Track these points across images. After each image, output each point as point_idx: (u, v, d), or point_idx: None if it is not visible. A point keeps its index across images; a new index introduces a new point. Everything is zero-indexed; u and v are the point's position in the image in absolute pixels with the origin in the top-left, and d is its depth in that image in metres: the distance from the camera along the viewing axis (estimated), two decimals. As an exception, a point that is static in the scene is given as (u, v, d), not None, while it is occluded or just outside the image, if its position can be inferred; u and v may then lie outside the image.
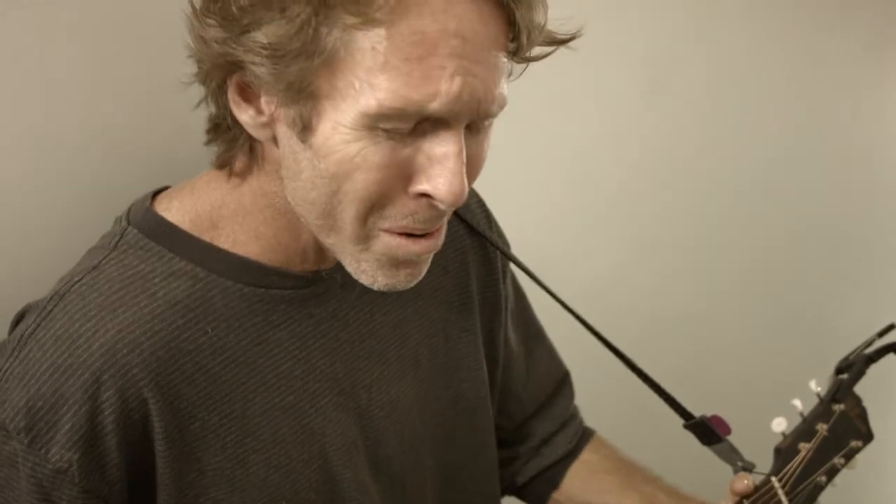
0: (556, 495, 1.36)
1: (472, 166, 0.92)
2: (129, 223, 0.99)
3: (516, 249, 1.25)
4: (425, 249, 0.95)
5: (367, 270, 0.96)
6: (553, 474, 1.36)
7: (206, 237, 0.99)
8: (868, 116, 2.36)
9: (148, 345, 0.93)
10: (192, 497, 0.98)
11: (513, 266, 1.27)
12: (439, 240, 0.96)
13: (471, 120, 0.89)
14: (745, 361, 2.20)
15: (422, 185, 0.89)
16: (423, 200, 0.91)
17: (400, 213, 0.91)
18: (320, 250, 1.02)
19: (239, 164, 0.98)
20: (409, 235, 0.93)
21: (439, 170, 0.88)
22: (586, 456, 1.36)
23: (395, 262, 0.95)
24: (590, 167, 1.91)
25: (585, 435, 1.38)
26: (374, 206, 0.90)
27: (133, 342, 0.93)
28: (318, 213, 0.93)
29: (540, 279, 1.23)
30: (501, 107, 0.89)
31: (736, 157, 2.12)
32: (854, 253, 2.45)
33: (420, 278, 0.98)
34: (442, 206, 0.91)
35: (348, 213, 0.91)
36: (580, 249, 1.92)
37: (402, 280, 0.96)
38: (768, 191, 2.20)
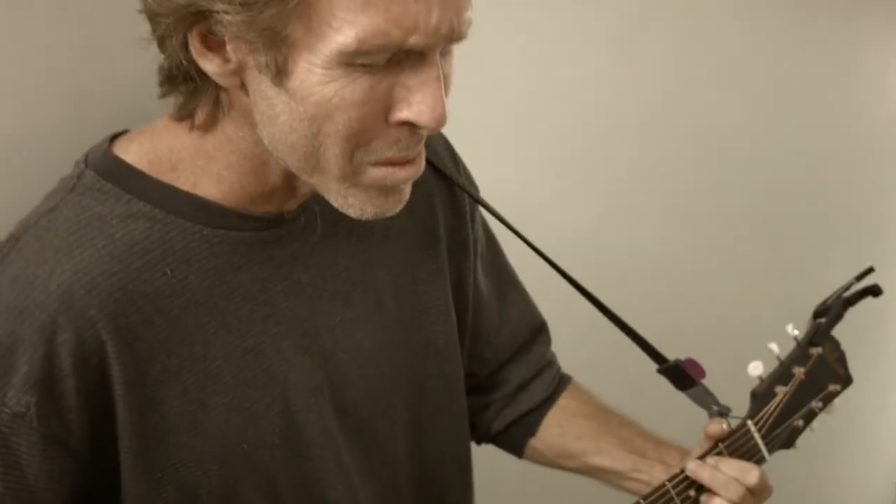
0: (533, 442, 1.34)
1: (445, 87, 0.92)
2: (86, 165, 0.97)
3: (493, 200, 1.23)
4: (411, 175, 0.95)
5: (354, 204, 0.94)
6: (530, 421, 1.34)
7: (165, 179, 0.97)
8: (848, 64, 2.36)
9: (105, 286, 0.92)
10: (155, 441, 0.96)
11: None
12: (421, 165, 0.96)
13: (444, 46, 0.89)
14: (721, 306, 2.21)
15: (403, 113, 0.88)
16: (405, 128, 0.90)
17: (385, 145, 0.90)
18: (287, 191, 1.00)
19: (202, 114, 0.96)
20: (394, 164, 0.93)
21: (420, 97, 0.88)
22: (563, 402, 1.35)
23: (383, 191, 0.94)
24: (567, 118, 1.89)
25: (562, 381, 1.37)
26: (359, 143, 0.90)
27: (90, 283, 0.91)
28: (300, 155, 0.91)
29: (509, 222, 1.21)
30: (469, 26, 0.89)
31: (715, 106, 2.12)
32: (834, 199, 2.45)
33: (404, 202, 0.97)
34: (424, 132, 0.91)
35: (332, 153, 0.90)
36: (558, 199, 1.91)
37: (391, 206, 0.96)
38: (747, 139, 2.21)
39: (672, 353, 1.24)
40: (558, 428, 1.33)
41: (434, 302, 1.17)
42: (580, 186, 1.95)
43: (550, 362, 1.37)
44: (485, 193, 1.23)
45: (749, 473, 1.16)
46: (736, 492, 1.15)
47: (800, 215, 2.40)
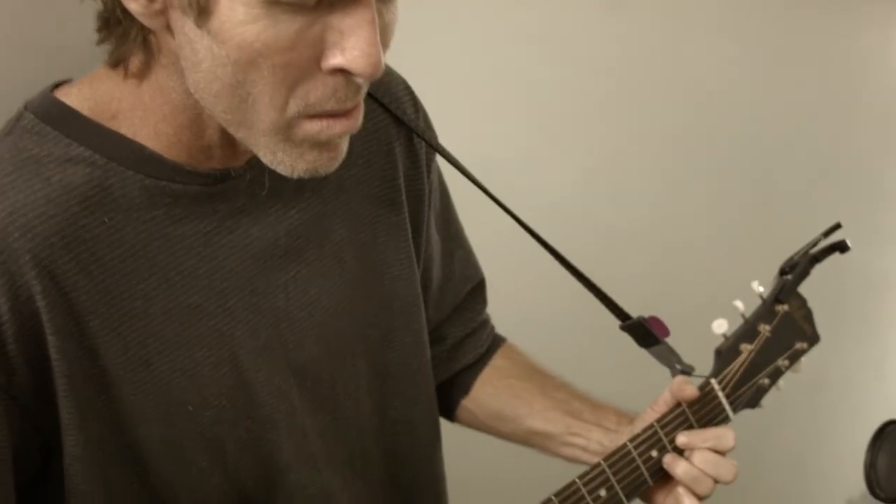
0: (465, 402, 1.32)
1: (385, 35, 0.87)
2: (26, 108, 0.93)
3: (468, 163, 1.19)
4: (346, 129, 0.90)
5: (284, 161, 0.90)
6: (462, 379, 1.32)
7: (107, 126, 0.92)
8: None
9: (41, 229, 0.88)
10: (95, 393, 0.93)
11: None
12: (358, 119, 0.91)
13: None
14: (685, 263, 2.19)
15: (336, 60, 0.83)
16: (340, 77, 0.85)
17: (323, 96, 0.85)
18: (227, 148, 0.96)
19: (135, 60, 0.91)
20: (330, 116, 0.88)
21: (353, 41, 0.82)
22: (497, 362, 1.32)
23: (316, 146, 0.90)
24: (546, 78, 1.86)
25: (496, 341, 1.34)
26: (291, 93, 0.85)
27: (25, 226, 0.87)
28: (225, 106, 0.86)
29: (471, 174, 1.17)
30: None
31: (702, 70, 2.10)
32: (805, 159, 2.45)
33: (341, 160, 0.93)
34: (360, 80, 0.85)
35: (262, 104, 0.85)
36: (533, 161, 1.88)
37: (325, 163, 0.91)
38: (722, 101, 2.18)
39: (635, 311, 1.21)
40: (492, 388, 1.30)
41: (397, 256, 1.14)
42: (555, 148, 1.92)
43: (485, 321, 1.34)
44: (461, 155, 1.18)
45: (725, 438, 1.14)
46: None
47: (769, 172, 2.39)
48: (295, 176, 0.90)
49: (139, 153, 0.92)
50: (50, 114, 0.92)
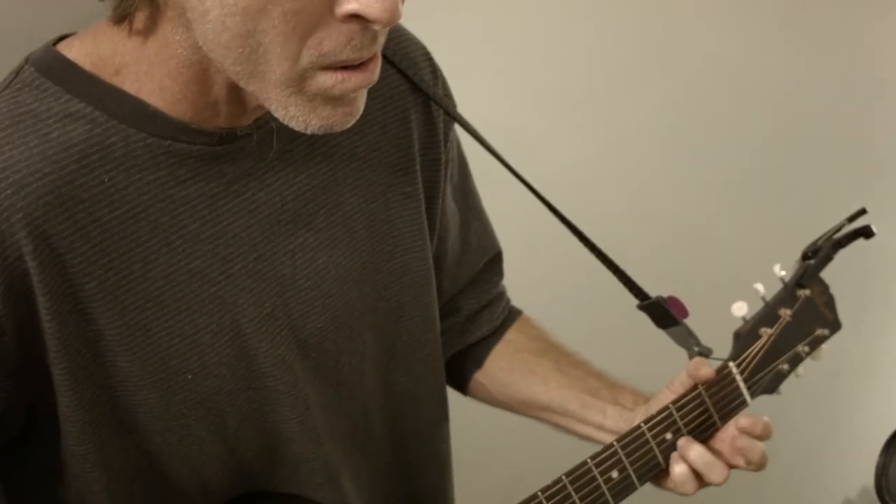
0: (478, 376, 1.29)
1: None
2: (27, 61, 0.90)
3: (487, 133, 1.16)
4: (362, 83, 0.86)
5: (297, 115, 0.86)
6: (476, 352, 1.29)
7: (109, 81, 0.89)
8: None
9: (35, 187, 0.85)
10: (90, 358, 0.91)
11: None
12: (375, 72, 0.88)
13: None
14: (706, 243, 2.17)
15: (350, 5, 0.80)
16: (355, 24, 0.82)
17: (338, 45, 0.82)
18: (235, 105, 0.92)
19: (140, 15, 0.88)
20: (346, 69, 0.85)
21: None
22: (512, 335, 1.29)
23: (330, 101, 0.86)
24: (568, 48, 1.83)
25: (512, 315, 1.31)
26: (304, 42, 0.82)
27: (18, 183, 0.84)
28: (235, 58, 0.83)
29: (490, 144, 1.14)
30: None
31: (717, 42, 2.07)
32: (832, 139, 2.42)
33: (356, 116, 0.89)
34: (377, 27, 0.82)
35: (274, 54, 0.82)
36: (553, 134, 1.85)
37: (339, 119, 0.88)
38: (747, 80, 2.15)
39: (653, 291, 1.18)
40: (505, 362, 1.28)
41: (409, 227, 1.10)
42: (575, 117, 1.89)
43: (501, 294, 1.31)
44: (479, 125, 1.16)
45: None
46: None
47: (794, 155, 2.36)
48: (308, 132, 0.88)
49: (142, 110, 0.89)
50: (51, 68, 0.89)
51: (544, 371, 1.25)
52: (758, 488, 1.87)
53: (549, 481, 1.08)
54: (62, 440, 0.94)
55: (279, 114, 0.87)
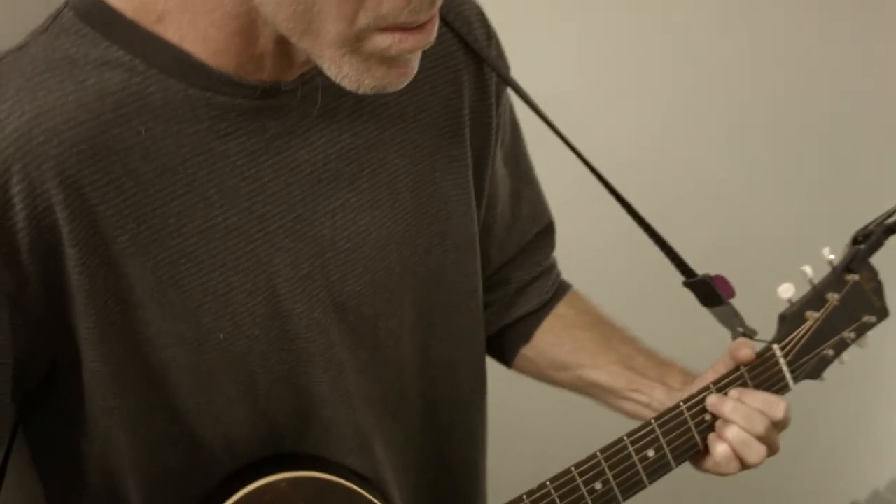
0: (525, 350, 1.27)
1: None
2: (67, 5, 0.88)
3: (540, 100, 1.13)
4: (419, 44, 0.84)
5: (350, 75, 0.84)
6: (525, 326, 1.26)
7: (151, 29, 0.87)
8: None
9: (69, 135, 0.83)
10: (119, 312, 0.89)
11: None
12: (432, 34, 0.86)
13: None
14: (755, 223, 2.13)
15: None
16: None
17: (396, 8, 0.80)
18: (281, 59, 0.90)
19: None
20: (403, 30, 0.82)
21: None
22: (562, 310, 1.27)
23: (385, 62, 0.84)
24: (629, 17, 1.81)
25: (562, 288, 1.28)
26: (361, 3, 0.79)
27: (52, 130, 0.82)
28: (288, 14, 0.81)
29: (542, 111, 1.11)
30: None
31: (774, 31, 2.04)
32: (887, 122, 2.38)
33: (411, 77, 0.87)
34: None
35: (329, 14, 0.80)
36: (608, 105, 1.83)
37: (394, 80, 0.86)
38: (798, 63, 2.11)
39: (701, 269, 1.16)
40: (554, 337, 1.25)
41: (455, 191, 1.08)
42: (631, 92, 1.87)
43: (551, 266, 1.28)
44: (533, 90, 1.13)
45: (775, 407, 1.08)
46: (760, 424, 1.07)
47: (851, 137, 2.32)
48: (361, 91, 0.85)
49: (183, 60, 0.87)
50: (91, 13, 0.86)
51: (593, 347, 1.23)
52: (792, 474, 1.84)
53: (583, 457, 1.06)
54: (87, 395, 0.93)
55: (331, 72, 0.85)
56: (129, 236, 0.87)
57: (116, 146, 0.85)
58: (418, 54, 0.87)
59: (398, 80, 0.86)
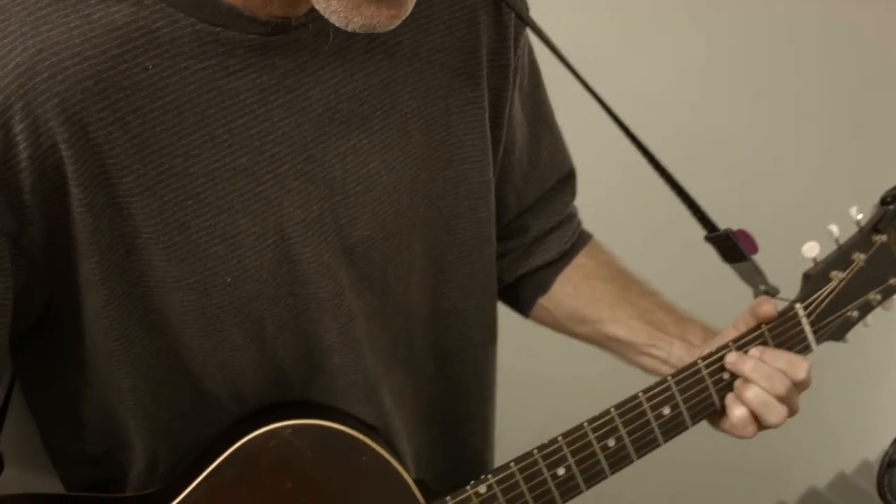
0: (543, 300, 1.24)
1: None
2: None
3: (561, 43, 1.09)
4: None
5: (338, 10, 0.82)
6: (543, 276, 1.23)
7: None
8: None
9: (74, 71, 0.80)
10: (123, 254, 0.87)
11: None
12: None
13: None
14: (781, 179, 2.10)
15: None
16: None
17: None
18: None
19: None
20: None
21: None
22: (581, 260, 1.23)
23: (375, 0, 0.81)
24: None
25: (582, 238, 1.25)
26: None
27: (56, 66, 0.80)
28: None
29: (563, 54, 1.07)
30: None
31: None
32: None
33: (401, 19, 0.84)
34: None
35: None
36: (631, 51, 1.78)
37: (384, 20, 0.83)
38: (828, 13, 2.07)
39: (724, 223, 1.13)
40: (572, 288, 1.22)
41: (469, 135, 1.05)
42: (656, 39, 1.83)
43: (572, 215, 1.25)
44: (554, 33, 1.09)
45: (797, 366, 1.05)
46: (782, 384, 1.04)
47: (884, 95, 2.28)
48: (349, 29, 0.83)
49: None
50: None
51: (612, 300, 1.20)
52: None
53: (595, 413, 1.04)
54: (87, 338, 0.91)
55: (320, 6, 0.82)
56: (134, 176, 0.85)
57: (123, 83, 0.83)
58: None
59: (388, 21, 0.83)
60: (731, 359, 1.06)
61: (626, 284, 1.21)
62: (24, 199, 0.81)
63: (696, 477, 2.18)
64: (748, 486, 2.66)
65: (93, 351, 0.92)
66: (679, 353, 1.13)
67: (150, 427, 0.98)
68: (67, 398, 0.98)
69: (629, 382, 1.08)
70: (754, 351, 1.06)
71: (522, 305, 1.26)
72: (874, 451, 2.98)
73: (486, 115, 1.06)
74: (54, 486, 1.08)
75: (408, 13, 0.84)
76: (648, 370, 1.17)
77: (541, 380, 1.73)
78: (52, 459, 1.08)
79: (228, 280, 0.92)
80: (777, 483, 2.86)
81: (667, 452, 1.09)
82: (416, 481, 1.04)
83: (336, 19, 0.82)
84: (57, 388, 0.98)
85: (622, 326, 1.18)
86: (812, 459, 2.85)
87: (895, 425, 2.97)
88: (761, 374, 1.04)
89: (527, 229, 1.21)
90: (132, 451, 1.01)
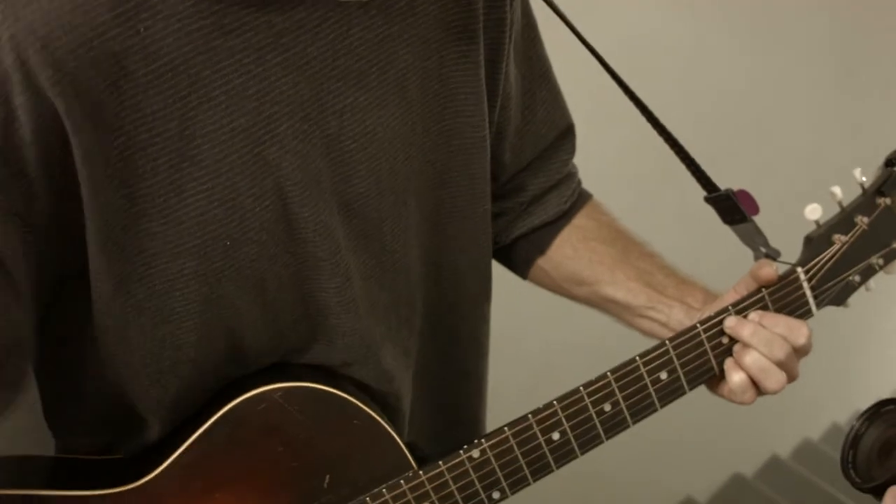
0: (541, 261, 1.22)
1: None
2: None
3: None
4: None
5: None
6: (541, 237, 1.22)
7: None
8: None
9: (65, 41, 0.78)
10: (122, 227, 0.86)
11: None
12: None
13: None
14: (785, 139, 2.08)
15: None
16: None
17: None
18: None
19: None
20: None
21: None
22: (580, 221, 1.21)
23: None
24: None
25: (581, 198, 1.23)
26: None
27: (47, 37, 0.78)
28: None
29: (560, 9, 1.05)
30: None
31: None
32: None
33: None
34: None
35: None
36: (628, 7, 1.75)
37: None
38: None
39: (723, 184, 1.10)
40: (571, 249, 1.20)
41: (463, 88, 1.02)
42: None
43: (571, 174, 1.23)
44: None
45: (797, 331, 1.03)
46: (781, 350, 1.02)
47: (888, 54, 2.26)
48: None
49: None
50: None
51: (612, 262, 1.18)
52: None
53: (590, 374, 1.02)
54: (94, 306, 0.90)
55: None
56: (124, 139, 0.83)
57: (114, 48, 0.81)
58: None
59: None
60: (730, 323, 1.04)
61: (626, 246, 1.19)
62: (30, 173, 0.80)
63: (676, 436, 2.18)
64: (739, 443, 2.67)
65: (101, 317, 0.91)
66: (678, 315, 1.12)
67: (153, 392, 0.97)
68: (70, 366, 0.98)
69: (625, 345, 1.07)
70: (753, 315, 1.05)
71: (520, 266, 1.25)
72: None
73: (482, 70, 1.03)
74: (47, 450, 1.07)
75: None
76: (647, 333, 1.15)
77: (534, 340, 1.72)
78: (50, 425, 1.06)
79: (228, 244, 0.91)
80: (771, 436, 2.87)
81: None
82: (408, 444, 1.03)
83: None
84: (61, 358, 0.98)
85: (621, 288, 1.16)
86: (805, 412, 2.86)
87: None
88: (760, 338, 1.02)
89: (524, 188, 1.19)
90: (131, 419, 1.00)
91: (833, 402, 3.04)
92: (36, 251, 0.85)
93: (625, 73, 1.09)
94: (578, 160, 1.22)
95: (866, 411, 1.13)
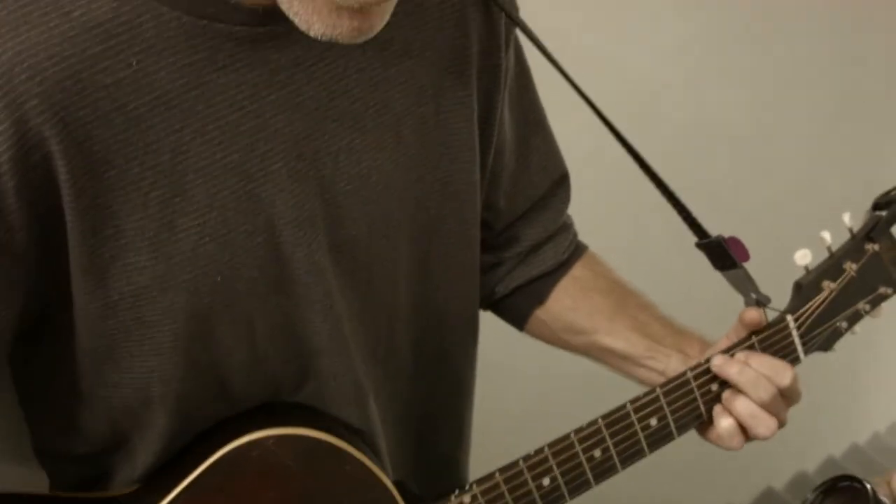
0: (539, 312, 1.22)
1: None
2: None
3: (550, 43, 1.07)
4: None
5: (300, 13, 0.79)
6: (539, 287, 1.21)
7: None
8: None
9: (53, 72, 0.78)
10: (108, 258, 0.85)
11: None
12: None
13: None
14: (775, 184, 2.08)
15: None
16: None
17: None
18: None
19: None
20: None
21: None
22: (578, 272, 1.22)
23: (345, 10, 0.78)
24: None
25: (578, 249, 1.24)
26: None
27: (34, 67, 0.77)
28: None
29: (552, 55, 1.05)
30: None
31: None
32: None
33: (369, 35, 0.81)
34: None
35: None
36: (622, 46, 1.76)
37: (345, 32, 0.79)
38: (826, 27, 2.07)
39: (713, 228, 1.11)
40: (570, 300, 1.21)
41: (458, 135, 1.02)
42: (654, 44, 1.81)
43: (567, 225, 1.23)
44: (543, 34, 1.07)
45: (782, 373, 1.04)
46: (766, 391, 1.03)
47: (878, 101, 2.27)
48: (311, 34, 0.80)
49: None
50: None
51: (610, 312, 1.18)
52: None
53: (574, 411, 1.03)
54: (77, 336, 0.89)
55: (283, 6, 0.80)
56: (115, 171, 0.82)
57: (104, 80, 0.80)
58: (386, 10, 0.81)
59: (350, 34, 0.80)
60: (718, 361, 1.05)
61: (624, 296, 1.20)
62: (9, 205, 0.79)
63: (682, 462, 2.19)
64: (739, 470, 2.67)
65: (83, 350, 0.90)
66: (676, 365, 1.12)
67: (137, 428, 0.97)
68: (58, 397, 0.96)
69: (610, 385, 1.07)
70: (740, 354, 1.06)
71: (518, 318, 1.25)
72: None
73: (476, 116, 1.04)
74: (40, 484, 1.07)
75: (374, 32, 0.82)
76: (644, 382, 1.16)
77: (520, 378, 1.72)
78: (40, 458, 1.06)
79: (219, 280, 0.90)
80: (766, 469, 2.87)
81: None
82: (397, 484, 1.03)
83: (298, 21, 0.80)
84: (49, 387, 0.97)
85: (619, 338, 1.17)
86: (800, 445, 2.86)
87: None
88: (747, 377, 1.03)
89: (520, 239, 1.20)
90: (119, 451, 1.00)
91: (829, 435, 3.04)
92: (18, 279, 0.84)
93: (615, 117, 1.10)
94: (574, 207, 1.23)
95: (822, 485, 1.15)
